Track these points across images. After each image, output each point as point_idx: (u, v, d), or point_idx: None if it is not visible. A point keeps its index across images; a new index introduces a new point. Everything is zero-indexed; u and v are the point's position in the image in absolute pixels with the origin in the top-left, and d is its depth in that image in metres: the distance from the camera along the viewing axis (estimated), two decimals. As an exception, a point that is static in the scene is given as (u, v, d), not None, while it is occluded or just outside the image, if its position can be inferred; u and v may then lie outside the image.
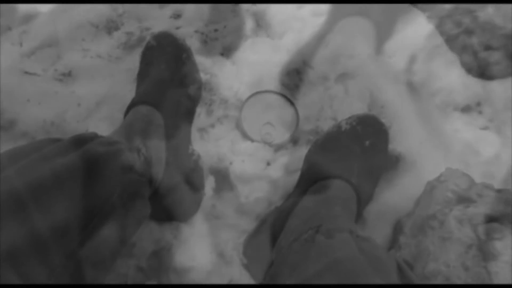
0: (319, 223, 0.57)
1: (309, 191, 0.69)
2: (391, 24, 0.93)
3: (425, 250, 0.62)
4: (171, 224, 0.74)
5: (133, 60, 0.86)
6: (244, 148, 0.81)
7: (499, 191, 0.66)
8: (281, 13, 0.94)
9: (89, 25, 0.92)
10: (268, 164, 0.80)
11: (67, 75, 0.87)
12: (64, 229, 0.45)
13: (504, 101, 0.86)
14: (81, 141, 0.55)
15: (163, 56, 0.78)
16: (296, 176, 0.75)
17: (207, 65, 0.88)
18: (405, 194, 0.75)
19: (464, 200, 0.65)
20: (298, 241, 0.56)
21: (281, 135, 0.83)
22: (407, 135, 0.81)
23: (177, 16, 0.95)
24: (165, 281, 0.71)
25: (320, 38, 0.91)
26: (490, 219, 0.61)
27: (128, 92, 0.83)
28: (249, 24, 0.94)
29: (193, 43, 0.89)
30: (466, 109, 0.86)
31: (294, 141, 0.83)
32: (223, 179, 0.78)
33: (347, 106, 0.83)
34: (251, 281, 0.72)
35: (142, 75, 0.79)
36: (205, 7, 0.95)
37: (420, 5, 0.95)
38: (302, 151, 0.78)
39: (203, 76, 0.85)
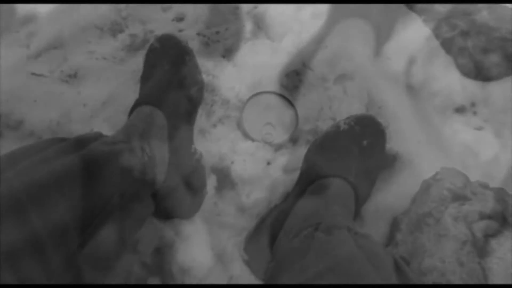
0: (318, 221, 0.57)
1: (308, 189, 0.69)
2: (390, 27, 0.94)
3: (421, 247, 0.63)
4: (173, 221, 0.74)
5: (137, 62, 0.86)
6: (245, 148, 0.81)
7: (493, 189, 0.66)
8: (281, 15, 0.94)
9: (94, 28, 0.92)
10: (269, 163, 0.80)
11: (73, 76, 0.87)
12: (63, 230, 0.44)
13: (502, 103, 0.85)
14: (84, 141, 0.55)
15: (166, 58, 0.78)
16: (295, 175, 0.75)
17: (209, 67, 0.88)
18: (402, 192, 0.76)
19: (459, 198, 0.65)
20: (298, 237, 0.56)
21: (281, 135, 0.83)
22: (404, 135, 0.81)
23: (179, 19, 0.95)
24: (167, 277, 0.71)
25: (319, 40, 0.92)
26: (485, 216, 0.61)
27: (132, 93, 0.83)
28: (249, 26, 0.94)
29: (195, 45, 0.89)
30: (461, 109, 0.86)
31: (294, 140, 0.84)
32: (225, 177, 0.78)
33: (346, 107, 0.83)
34: (252, 277, 0.72)
35: (145, 77, 0.79)
36: (206, 11, 0.95)
37: (416, 7, 0.95)
38: (302, 151, 0.78)
39: (205, 78, 0.85)
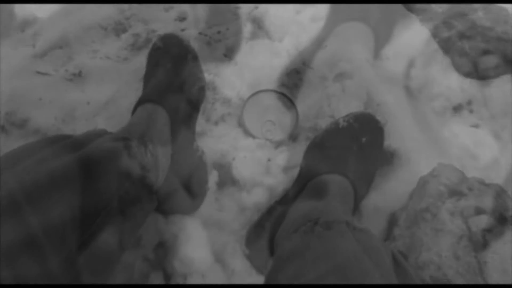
0: (317, 216, 0.57)
1: (307, 186, 0.70)
2: (389, 28, 0.94)
3: (419, 241, 0.63)
4: (176, 216, 0.74)
5: (140, 61, 0.86)
6: (246, 145, 0.81)
7: (489, 185, 0.66)
8: (280, 18, 0.94)
9: (98, 28, 0.92)
10: (269, 159, 0.81)
11: (77, 75, 0.88)
12: (61, 231, 0.44)
13: (501, 103, 0.85)
14: (86, 140, 0.54)
15: (169, 57, 0.78)
16: (295, 171, 0.76)
17: (210, 66, 0.88)
18: (400, 188, 0.76)
19: (455, 193, 0.65)
20: (297, 232, 0.56)
21: (281, 133, 0.83)
22: (402, 133, 0.82)
23: (182, 19, 0.95)
24: (170, 271, 0.71)
25: (318, 42, 0.92)
26: (480, 211, 0.61)
27: (135, 91, 0.84)
28: (250, 26, 0.95)
29: (197, 45, 0.89)
30: (458, 108, 0.86)
31: (294, 138, 0.84)
32: (226, 174, 0.79)
33: (345, 105, 0.83)
34: (253, 271, 0.72)
35: (148, 75, 0.80)
36: (208, 11, 0.95)
37: (414, 8, 0.95)
38: (301, 148, 0.79)
39: (206, 76, 0.85)
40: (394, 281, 0.46)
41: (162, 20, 0.94)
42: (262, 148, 0.81)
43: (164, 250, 0.72)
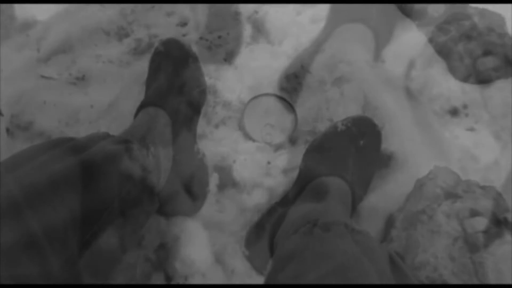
0: (316, 217, 0.57)
1: (306, 188, 0.70)
2: (388, 32, 0.94)
3: (415, 243, 0.63)
4: (177, 218, 0.75)
5: (142, 65, 0.86)
6: (246, 148, 0.82)
7: (483, 187, 0.66)
8: (280, 20, 0.94)
9: (101, 32, 0.93)
10: (269, 162, 0.81)
11: (80, 79, 0.88)
12: (61, 232, 0.44)
13: (500, 106, 0.85)
14: (87, 143, 0.54)
15: (170, 61, 0.78)
16: (294, 174, 0.76)
17: (211, 70, 0.89)
18: (397, 190, 0.76)
19: (451, 196, 0.66)
20: (297, 233, 0.56)
21: (281, 136, 0.84)
22: (400, 135, 0.82)
23: (183, 24, 0.96)
24: (171, 271, 0.72)
25: (318, 44, 0.92)
26: (475, 213, 0.61)
27: (138, 94, 0.84)
28: (250, 31, 0.95)
29: (198, 49, 0.90)
30: (454, 111, 0.87)
31: (293, 141, 0.84)
32: (227, 176, 0.79)
33: (343, 108, 0.84)
34: (253, 272, 0.72)
35: (150, 79, 0.80)
36: (209, 16, 0.95)
37: (411, 12, 0.95)
38: (300, 151, 0.79)
39: (207, 80, 0.85)
40: (392, 281, 0.47)
41: (163, 25, 0.95)
42: (262, 151, 0.81)
43: (165, 251, 0.72)
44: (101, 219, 0.50)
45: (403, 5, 0.96)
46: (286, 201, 0.74)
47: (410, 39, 0.93)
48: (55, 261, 0.42)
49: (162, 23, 0.95)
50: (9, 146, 0.79)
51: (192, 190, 0.74)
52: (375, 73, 0.88)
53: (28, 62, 0.88)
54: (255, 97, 0.86)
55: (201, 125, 0.82)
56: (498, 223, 0.60)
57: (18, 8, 0.95)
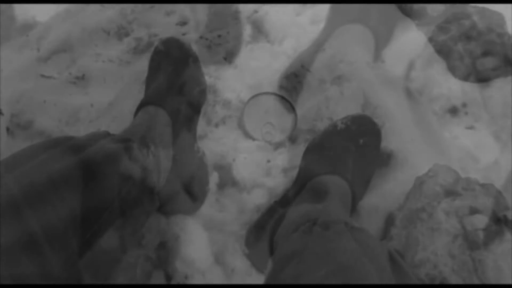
0: (316, 216, 0.57)
1: (306, 186, 0.70)
2: (388, 32, 0.94)
3: (415, 240, 0.63)
4: (177, 216, 0.75)
5: (142, 64, 0.86)
6: (246, 146, 0.82)
7: (482, 185, 0.66)
8: (280, 20, 0.94)
9: (101, 32, 0.93)
10: (268, 161, 0.81)
11: (80, 78, 0.88)
12: (61, 232, 0.43)
13: (500, 105, 0.85)
14: (87, 142, 0.53)
15: (170, 60, 0.78)
16: (294, 172, 0.76)
17: (211, 69, 0.89)
18: (396, 189, 0.76)
19: (451, 193, 0.66)
20: (297, 232, 0.56)
21: (281, 134, 0.84)
22: (400, 134, 0.82)
23: (183, 23, 0.96)
24: (171, 271, 0.72)
25: (318, 44, 0.92)
26: (475, 211, 0.61)
27: (138, 93, 0.84)
28: (250, 30, 0.95)
29: (198, 48, 0.90)
30: (453, 110, 0.87)
31: (293, 139, 0.84)
32: (227, 175, 0.79)
33: (343, 107, 0.84)
34: (253, 270, 0.72)
35: (150, 78, 0.80)
36: (209, 15, 0.95)
37: (411, 12, 0.95)
38: (300, 149, 0.79)
39: (207, 79, 0.85)
40: (391, 279, 0.46)
41: (163, 25, 0.95)
42: (262, 149, 0.81)
43: (165, 250, 0.72)
44: (101, 219, 0.50)
45: (403, 5, 0.96)
46: (285, 199, 0.74)
47: (410, 39, 0.93)
48: (55, 260, 0.42)
49: (162, 22, 0.95)
50: (9, 145, 0.79)
51: (192, 189, 0.74)
52: (375, 73, 0.88)
53: (28, 62, 0.88)
54: (255, 96, 0.86)
55: (201, 124, 0.82)
56: (498, 221, 0.60)
57: (18, 8, 0.95)
